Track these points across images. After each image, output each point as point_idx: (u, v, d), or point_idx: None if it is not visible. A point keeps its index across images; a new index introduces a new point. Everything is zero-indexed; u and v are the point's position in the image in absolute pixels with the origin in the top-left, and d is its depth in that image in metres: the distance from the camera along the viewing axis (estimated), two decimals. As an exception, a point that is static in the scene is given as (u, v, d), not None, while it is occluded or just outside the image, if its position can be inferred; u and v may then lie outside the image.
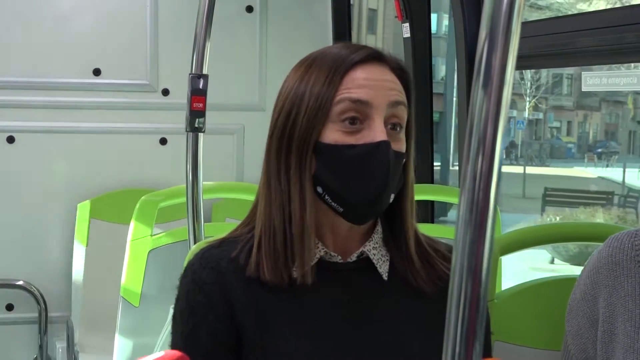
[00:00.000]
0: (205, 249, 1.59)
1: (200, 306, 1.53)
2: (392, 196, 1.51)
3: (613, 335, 1.53)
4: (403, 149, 1.52)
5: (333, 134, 1.48)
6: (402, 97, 1.52)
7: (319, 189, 1.50)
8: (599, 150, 26.57)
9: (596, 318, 1.57)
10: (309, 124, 1.49)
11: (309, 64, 1.55)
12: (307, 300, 1.52)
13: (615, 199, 17.42)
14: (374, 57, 1.54)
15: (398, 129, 1.51)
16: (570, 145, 29.35)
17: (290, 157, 1.52)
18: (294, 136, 1.51)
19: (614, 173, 22.25)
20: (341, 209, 1.50)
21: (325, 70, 1.51)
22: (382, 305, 1.55)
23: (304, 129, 1.50)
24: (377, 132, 1.47)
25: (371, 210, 1.51)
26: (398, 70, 1.55)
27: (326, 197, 1.50)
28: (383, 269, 1.56)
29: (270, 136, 1.55)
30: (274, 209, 1.53)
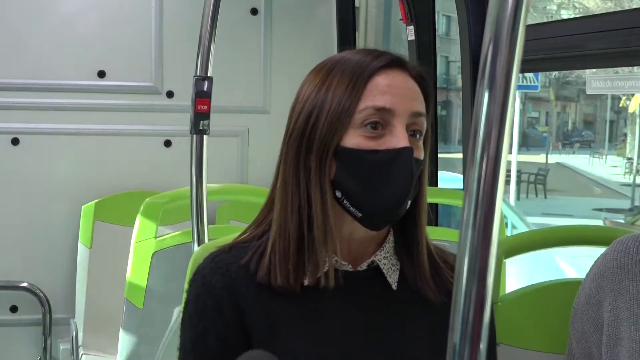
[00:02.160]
0: (215, 253, 1.58)
1: (210, 311, 1.53)
2: (409, 202, 1.51)
3: (618, 339, 1.53)
4: (422, 156, 1.52)
5: (355, 139, 1.48)
6: (423, 107, 1.53)
7: (338, 194, 1.50)
8: (574, 139, 27.56)
9: (601, 322, 1.57)
10: (331, 127, 1.49)
11: (329, 69, 1.54)
12: (316, 308, 1.52)
13: (525, 177, 20.73)
14: (396, 63, 1.54)
15: (418, 136, 1.51)
16: (545, 134, 30.37)
17: (309, 160, 1.51)
18: (314, 139, 1.50)
19: (575, 160, 24.84)
20: (360, 214, 1.49)
21: (347, 75, 1.51)
22: (391, 314, 1.55)
23: (325, 132, 1.49)
24: (400, 139, 1.47)
25: (390, 217, 1.50)
26: (419, 77, 1.56)
27: (345, 201, 1.50)
28: (393, 278, 1.56)
29: (288, 138, 1.55)
30: (292, 212, 1.52)
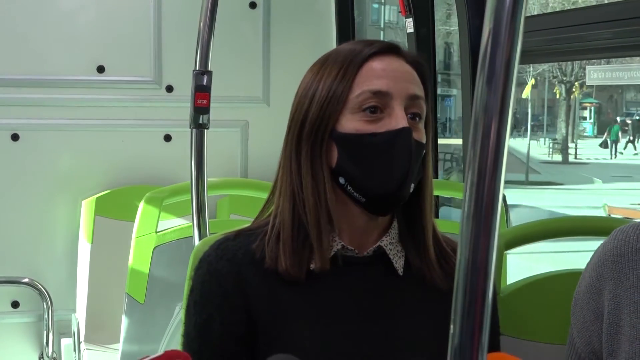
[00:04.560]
0: (221, 240, 1.59)
1: (215, 297, 1.54)
2: (412, 186, 1.52)
3: (619, 327, 1.53)
4: (423, 139, 1.53)
5: (353, 123, 1.50)
6: (421, 91, 1.54)
7: (341, 180, 1.51)
8: (532, 123, 28.78)
9: (601, 311, 1.57)
10: (321, 113, 1.51)
11: (324, 61, 1.57)
12: (322, 293, 1.53)
13: (441, 155, 22.33)
14: (391, 49, 1.55)
15: (417, 119, 1.53)
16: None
17: (301, 146, 1.53)
18: (305, 125, 1.53)
19: (521, 142, 25.89)
20: (363, 199, 1.50)
21: (339, 64, 1.53)
22: (396, 300, 1.56)
23: (315, 118, 1.51)
24: (398, 119, 1.48)
25: (393, 200, 1.50)
26: (415, 63, 1.57)
27: (348, 187, 1.51)
28: (399, 264, 1.57)
29: (287, 132, 1.57)
30: (287, 199, 1.54)
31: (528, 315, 1.92)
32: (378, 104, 1.49)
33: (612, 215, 12.29)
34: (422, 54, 3.37)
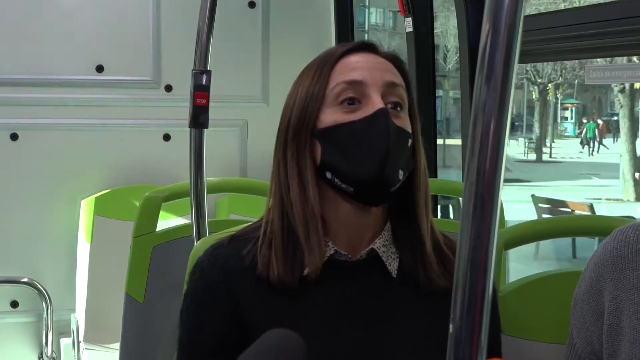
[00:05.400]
0: (215, 246, 1.59)
1: (207, 304, 1.54)
2: (402, 173, 1.50)
3: (619, 328, 1.53)
4: (406, 127, 1.52)
5: (333, 116, 1.51)
6: (398, 79, 1.54)
7: (328, 175, 1.51)
8: (517, 123, 29.56)
9: (602, 311, 1.57)
10: (302, 113, 1.52)
11: (303, 70, 1.59)
12: (316, 299, 1.52)
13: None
14: (365, 46, 1.57)
15: (399, 108, 1.52)
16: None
17: (287, 150, 1.54)
18: (289, 131, 1.54)
19: None
20: (352, 189, 1.49)
21: (315, 66, 1.55)
22: (391, 303, 1.55)
23: (297, 120, 1.52)
24: (374, 104, 1.48)
25: (380, 184, 1.48)
26: (391, 57, 1.58)
27: (336, 180, 1.50)
28: (392, 266, 1.56)
29: (276, 140, 1.58)
30: (276, 204, 1.54)
31: (527, 315, 1.92)
32: (355, 94, 1.50)
33: (539, 205, 12.73)
34: (423, 58, 3.38)
